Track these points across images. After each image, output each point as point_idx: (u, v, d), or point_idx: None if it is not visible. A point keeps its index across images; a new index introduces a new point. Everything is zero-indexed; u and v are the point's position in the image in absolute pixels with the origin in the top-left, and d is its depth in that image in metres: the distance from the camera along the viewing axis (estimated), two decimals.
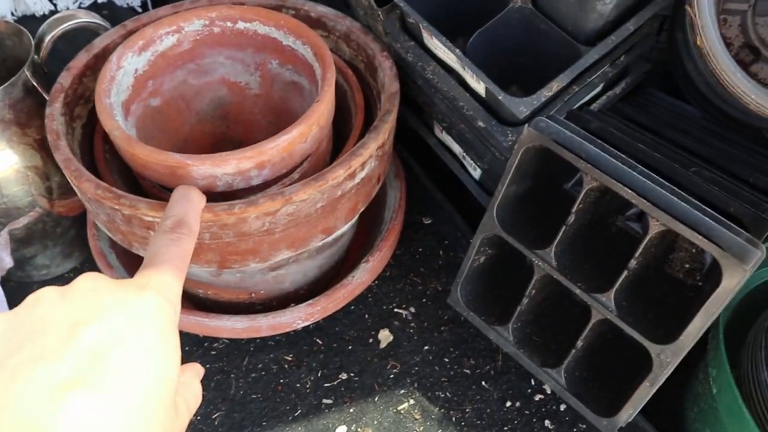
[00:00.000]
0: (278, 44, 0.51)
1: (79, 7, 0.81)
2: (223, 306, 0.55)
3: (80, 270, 0.63)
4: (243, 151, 0.41)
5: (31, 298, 0.26)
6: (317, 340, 0.58)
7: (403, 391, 0.55)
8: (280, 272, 0.51)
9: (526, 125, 0.44)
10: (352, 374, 0.56)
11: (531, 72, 0.53)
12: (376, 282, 0.61)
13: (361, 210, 0.49)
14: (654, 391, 0.43)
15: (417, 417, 0.53)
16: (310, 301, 0.52)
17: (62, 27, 0.53)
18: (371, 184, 0.49)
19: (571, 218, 0.44)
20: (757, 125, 0.52)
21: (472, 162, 0.55)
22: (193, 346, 0.58)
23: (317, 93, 0.45)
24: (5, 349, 0.24)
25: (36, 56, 0.53)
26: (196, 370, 0.32)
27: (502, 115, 0.49)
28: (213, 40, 0.51)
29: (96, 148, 0.50)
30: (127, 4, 0.83)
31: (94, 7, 0.81)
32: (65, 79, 0.49)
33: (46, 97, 0.49)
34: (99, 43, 0.52)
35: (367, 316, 0.60)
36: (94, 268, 0.55)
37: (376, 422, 0.53)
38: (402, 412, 0.54)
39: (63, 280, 0.62)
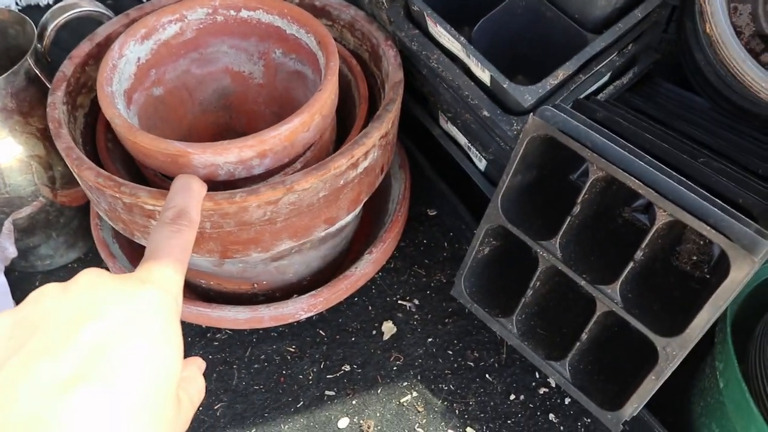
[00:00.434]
0: (282, 33, 0.50)
1: None
2: (226, 297, 0.55)
3: (83, 260, 0.63)
4: (245, 139, 0.40)
5: (33, 295, 0.26)
6: (320, 331, 0.58)
7: (406, 383, 0.55)
8: (283, 263, 0.51)
9: (532, 114, 0.43)
10: (354, 366, 0.56)
11: (537, 61, 0.52)
12: (380, 273, 0.61)
13: (365, 200, 0.49)
14: (660, 384, 0.42)
15: (420, 409, 0.53)
16: (312, 292, 0.52)
17: (65, 16, 0.53)
18: (375, 174, 0.48)
19: (577, 209, 0.44)
20: (767, 115, 0.51)
21: (477, 153, 0.55)
22: (195, 337, 0.58)
23: (321, 82, 0.45)
24: (9, 347, 0.24)
25: (39, 45, 0.53)
26: (199, 364, 0.32)
27: (508, 104, 0.48)
28: (216, 29, 0.51)
29: (98, 138, 0.50)
30: None
31: None
32: (68, 67, 0.49)
33: (49, 86, 0.49)
34: (102, 32, 0.52)
35: (370, 307, 0.60)
36: (98, 258, 0.55)
37: (378, 414, 0.53)
38: (405, 404, 0.53)
39: (66, 270, 0.62)
